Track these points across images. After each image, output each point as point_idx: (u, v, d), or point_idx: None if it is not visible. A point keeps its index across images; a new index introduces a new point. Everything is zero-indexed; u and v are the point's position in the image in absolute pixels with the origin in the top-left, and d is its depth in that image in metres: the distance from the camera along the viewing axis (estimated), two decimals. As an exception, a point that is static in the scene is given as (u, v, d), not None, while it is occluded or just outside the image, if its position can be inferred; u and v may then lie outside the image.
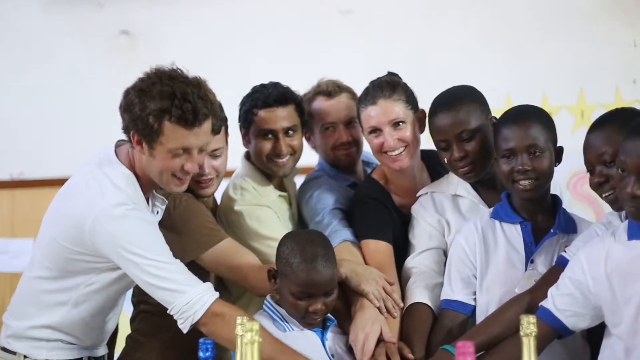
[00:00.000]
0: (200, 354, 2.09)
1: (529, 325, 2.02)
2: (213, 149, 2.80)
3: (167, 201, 2.75)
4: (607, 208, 3.71)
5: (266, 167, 3.01)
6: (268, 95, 2.97)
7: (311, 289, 2.50)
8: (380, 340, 2.56)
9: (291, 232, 2.81)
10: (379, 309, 2.64)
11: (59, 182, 5.21)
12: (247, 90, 3.08)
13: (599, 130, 2.50)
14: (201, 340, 2.09)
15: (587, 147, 2.51)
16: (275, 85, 3.03)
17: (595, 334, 2.51)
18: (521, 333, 2.01)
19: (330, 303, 2.55)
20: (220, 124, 2.81)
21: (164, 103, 2.50)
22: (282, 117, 2.97)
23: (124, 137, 2.64)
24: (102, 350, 2.84)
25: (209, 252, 2.73)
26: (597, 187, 2.49)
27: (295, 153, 3.02)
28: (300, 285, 2.50)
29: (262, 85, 3.04)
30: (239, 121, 3.02)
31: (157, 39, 4.97)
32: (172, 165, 2.56)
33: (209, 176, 2.82)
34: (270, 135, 2.98)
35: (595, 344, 2.58)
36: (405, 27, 4.78)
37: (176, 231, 2.67)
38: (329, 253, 2.56)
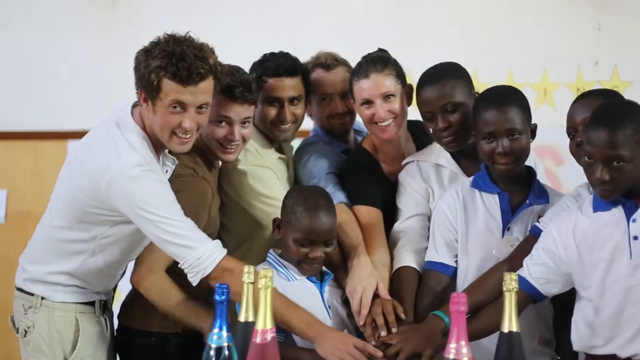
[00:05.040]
0: (216, 297, 2.20)
1: (511, 281, 2.20)
2: (245, 118, 2.95)
3: (177, 161, 2.86)
4: (564, 182, 3.94)
5: (269, 131, 3.15)
6: (279, 66, 3.11)
7: (312, 236, 2.67)
8: (375, 295, 2.72)
9: (296, 186, 3.04)
10: (370, 253, 2.82)
11: (34, 135, 5.33)
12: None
13: (584, 99, 2.72)
14: (217, 284, 2.23)
15: (572, 115, 2.71)
16: (286, 56, 3.18)
17: (559, 298, 2.72)
18: (504, 289, 2.19)
19: (329, 253, 2.72)
20: (256, 96, 2.97)
21: (162, 61, 2.64)
22: (289, 86, 3.13)
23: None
24: (108, 295, 2.99)
25: None
26: (577, 147, 2.66)
27: (297, 121, 3.18)
28: (303, 232, 2.67)
29: (273, 54, 3.18)
30: None
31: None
32: (171, 121, 2.69)
33: (237, 142, 2.95)
34: (276, 103, 3.13)
35: (557, 306, 2.83)
36: (375, 5, 4.89)
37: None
38: (330, 205, 2.73)
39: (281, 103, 3.13)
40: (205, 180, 2.94)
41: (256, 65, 3.17)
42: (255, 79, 3.07)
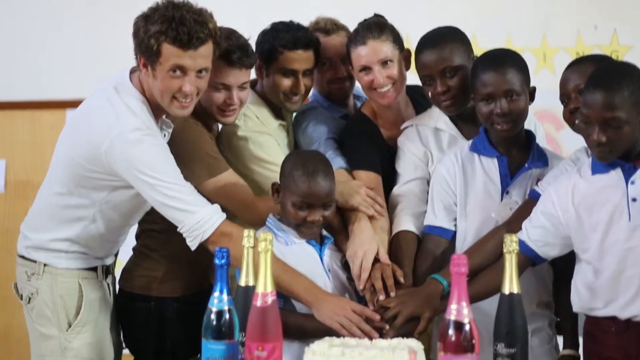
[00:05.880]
0: (217, 261, 2.22)
1: (511, 243, 2.22)
2: (243, 82, 2.95)
3: (173, 125, 2.88)
4: (564, 147, 3.93)
5: (279, 101, 3.15)
6: (297, 39, 3.09)
7: (311, 199, 2.67)
8: (375, 260, 2.73)
9: (295, 151, 3.06)
10: (370, 217, 2.84)
11: (32, 105, 5.32)
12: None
13: (576, 65, 2.73)
14: (217, 248, 2.25)
15: (565, 80, 2.72)
16: (300, 27, 3.16)
17: (558, 260, 2.72)
18: (504, 250, 2.21)
19: (328, 217, 2.72)
20: (254, 60, 2.98)
21: (162, 26, 2.65)
22: (304, 59, 3.12)
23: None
24: (110, 260, 3.00)
25: (211, 181, 2.86)
26: (570, 114, 2.69)
27: (307, 92, 3.19)
28: (301, 195, 2.67)
29: (285, 25, 3.15)
30: (258, 53, 3.12)
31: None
32: (171, 85, 2.70)
33: (235, 106, 2.95)
34: (290, 75, 3.11)
35: (557, 268, 2.85)
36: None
37: (181, 157, 2.78)
38: (328, 169, 2.73)
39: (296, 75, 3.12)
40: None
41: (269, 36, 3.14)
42: (270, 50, 3.09)
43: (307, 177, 2.68)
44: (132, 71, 2.81)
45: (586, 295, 2.57)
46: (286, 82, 3.12)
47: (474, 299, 2.25)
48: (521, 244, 2.48)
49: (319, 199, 2.69)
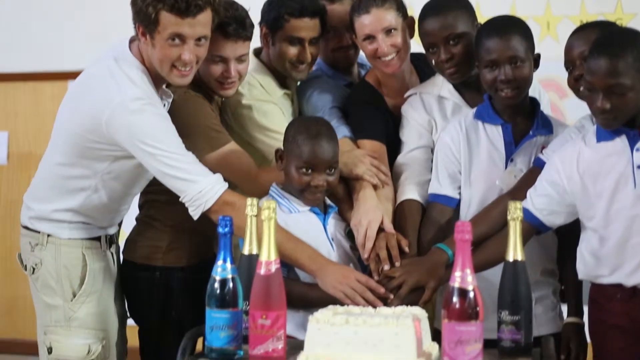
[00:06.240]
0: (219, 229, 2.22)
1: (515, 210, 2.22)
2: (241, 54, 2.92)
3: (173, 95, 2.86)
4: (568, 115, 3.92)
5: (285, 70, 3.13)
6: (303, 7, 3.06)
7: (314, 162, 2.66)
8: (379, 229, 2.72)
9: (298, 117, 3.04)
10: (374, 186, 2.83)
11: (34, 77, 5.31)
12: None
13: (581, 32, 2.73)
14: (220, 217, 2.24)
15: (570, 47, 2.72)
16: None
17: (562, 228, 2.71)
18: (508, 217, 2.22)
19: (332, 182, 2.71)
20: (251, 32, 2.94)
21: None
22: (311, 27, 3.09)
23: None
24: (114, 230, 2.99)
25: (213, 154, 2.85)
26: (575, 81, 2.68)
27: (313, 60, 3.15)
28: (305, 158, 2.66)
29: None
30: (264, 21, 3.11)
31: None
32: (170, 54, 2.68)
33: (233, 79, 2.93)
34: (297, 43, 3.09)
35: (561, 236, 2.83)
36: None
37: (183, 131, 2.75)
38: (332, 134, 2.73)
39: (302, 43, 3.10)
40: None
41: (275, 3, 3.11)
42: (277, 18, 3.07)
43: (311, 140, 2.67)
44: (132, 40, 2.79)
45: (592, 263, 2.56)
46: (292, 51, 3.09)
47: (478, 268, 2.26)
48: (526, 212, 2.49)
49: (322, 162, 2.67)
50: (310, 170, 2.67)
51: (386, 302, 2.56)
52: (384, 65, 2.99)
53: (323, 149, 2.67)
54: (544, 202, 2.60)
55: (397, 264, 2.67)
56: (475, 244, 2.55)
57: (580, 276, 2.63)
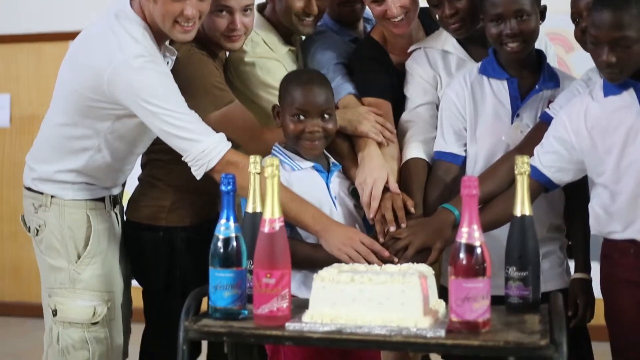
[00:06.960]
0: (222, 187, 2.20)
1: (523, 164, 2.20)
2: (246, 4, 2.89)
3: (177, 52, 2.83)
4: (574, 69, 3.87)
5: (292, 24, 3.08)
6: None
7: (307, 107, 2.65)
8: (385, 189, 2.70)
9: (291, 71, 2.98)
10: (379, 143, 2.80)
11: (35, 38, 5.26)
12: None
13: None
14: (223, 174, 2.21)
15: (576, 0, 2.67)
16: None
17: (570, 183, 2.68)
18: (516, 172, 2.19)
19: (329, 129, 2.68)
20: None
21: None
22: None
23: None
24: (117, 190, 2.97)
25: (217, 113, 2.82)
26: (582, 33, 2.65)
27: (320, 14, 3.10)
28: (297, 103, 2.65)
29: None
30: None
31: None
32: (172, 9, 2.65)
33: (239, 32, 2.90)
34: None
35: (568, 191, 2.80)
36: None
37: (186, 89, 2.72)
38: (323, 80, 2.72)
39: None
40: None
41: None
42: None
43: (301, 86, 2.66)
44: None
45: (604, 219, 2.54)
46: (299, 3, 3.04)
47: (486, 227, 2.24)
48: (534, 170, 2.47)
49: (314, 106, 2.65)
50: (303, 117, 2.65)
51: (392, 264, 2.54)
52: (393, 26, 2.94)
53: (314, 93, 2.65)
54: (551, 159, 2.57)
55: (404, 225, 2.65)
56: (483, 203, 2.54)
57: (593, 232, 2.60)
